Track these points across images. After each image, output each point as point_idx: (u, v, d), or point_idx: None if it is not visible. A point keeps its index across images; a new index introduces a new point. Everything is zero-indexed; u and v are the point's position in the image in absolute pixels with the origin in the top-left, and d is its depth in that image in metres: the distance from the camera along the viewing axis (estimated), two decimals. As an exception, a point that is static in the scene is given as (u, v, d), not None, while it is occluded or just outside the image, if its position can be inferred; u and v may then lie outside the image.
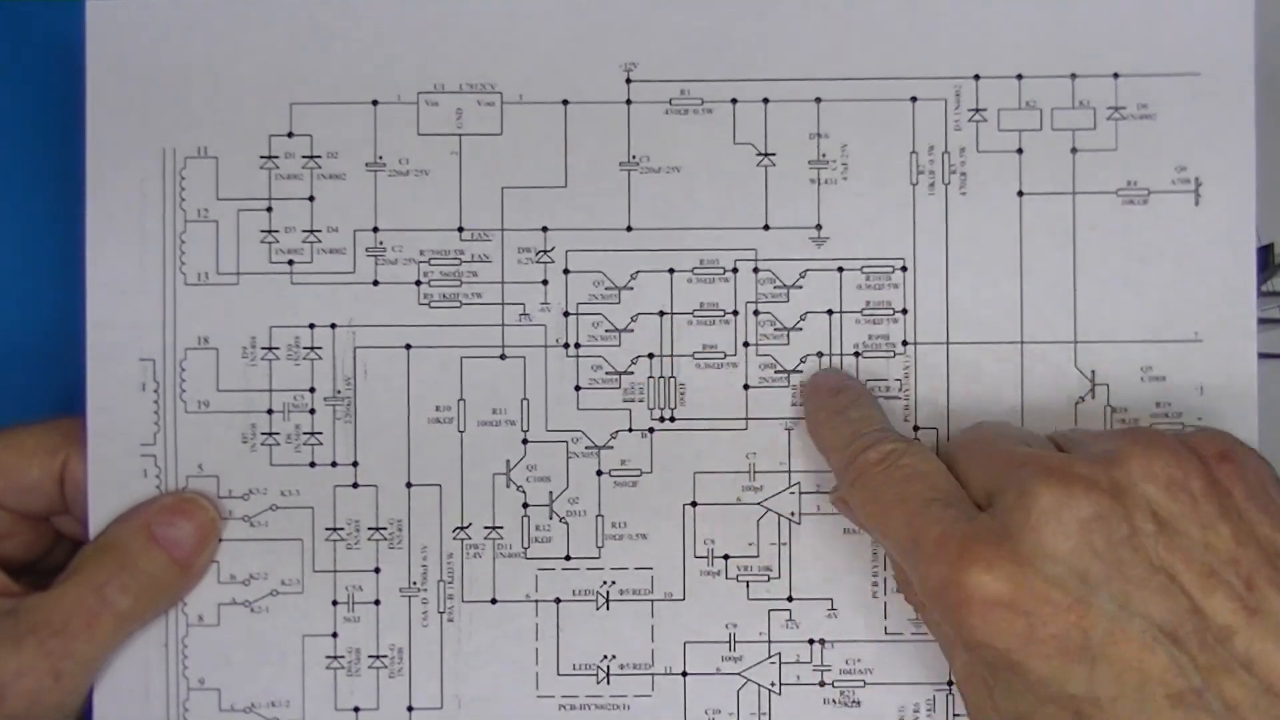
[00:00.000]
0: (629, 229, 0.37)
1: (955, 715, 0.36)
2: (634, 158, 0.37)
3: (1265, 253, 0.40)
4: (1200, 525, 0.30)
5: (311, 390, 0.37)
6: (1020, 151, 0.37)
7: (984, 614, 0.29)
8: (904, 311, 0.37)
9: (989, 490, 0.31)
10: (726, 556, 0.36)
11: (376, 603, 0.37)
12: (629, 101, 0.37)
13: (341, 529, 0.37)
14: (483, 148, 0.37)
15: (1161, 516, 0.30)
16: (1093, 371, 0.36)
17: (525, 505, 0.37)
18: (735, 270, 0.36)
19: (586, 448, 0.37)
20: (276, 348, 0.37)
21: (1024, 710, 0.30)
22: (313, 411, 0.37)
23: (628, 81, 0.37)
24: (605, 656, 0.36)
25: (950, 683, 0.36)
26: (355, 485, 0.37)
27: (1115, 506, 0.30)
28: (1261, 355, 0.37)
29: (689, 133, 0.37)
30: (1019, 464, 0.31)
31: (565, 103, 0.37)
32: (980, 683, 0.31)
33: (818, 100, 0.37)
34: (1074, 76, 0.37)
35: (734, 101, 0.36)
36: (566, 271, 0.37)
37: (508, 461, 0.37)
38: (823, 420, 0.35)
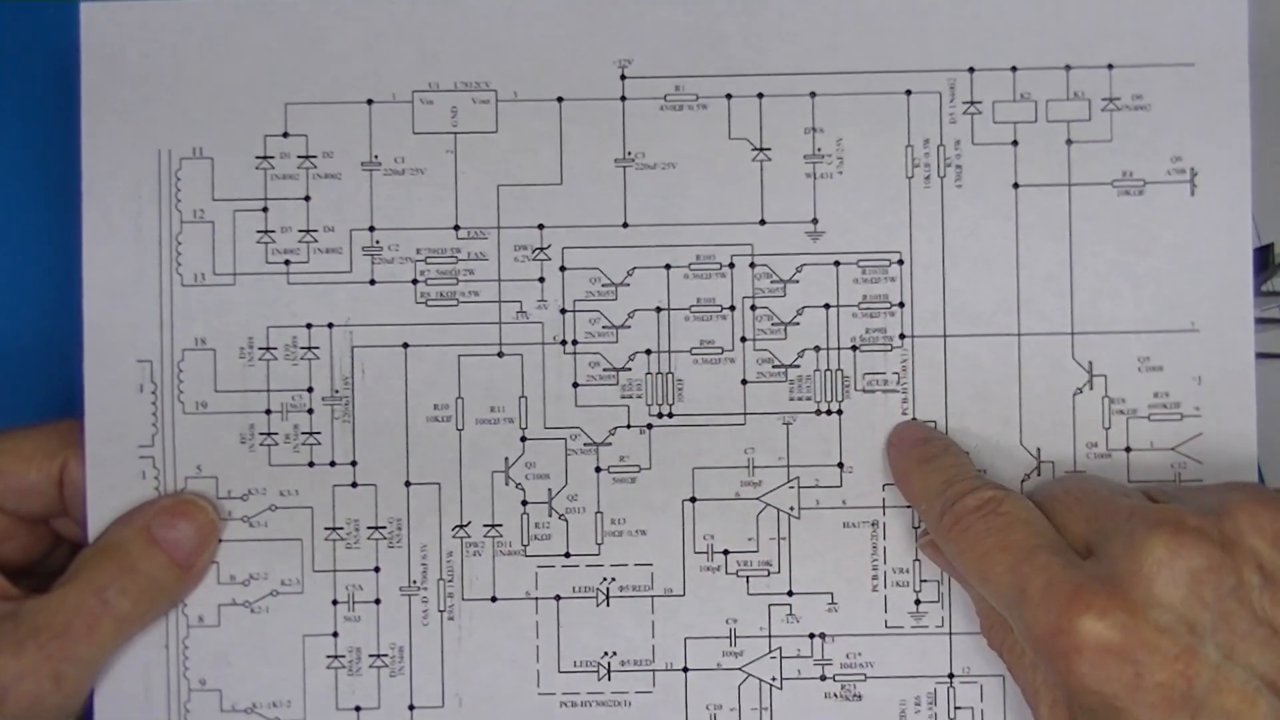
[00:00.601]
0: (625, 225, 0.37)
1: (956, 708, 0.36)
2: (629, 154, 0.37)
3: (1264, 253, 0.40)
4: None
5: (309, 390, 0.37)
6: (1015, 144, 0.37)
7: (1094, 660, 0.30)
8: (901, 305, 0.36)
9: (1090, 540, 0.32)
10: (726, 552, 0.36)
11: (377, 602, 0.37)
12: (624, 98, 0.37)
13: (341, 528, 0.37)
14: (478, 146, 0.37)
15: (1267, 570, 0.30)
16: (1090, 363, 0.36)
17: (524, 503, 0.37)
18: (732, 265, 0.36)
19: (585, 444, 0.37)
20: (274, 348, 0.37)
21: None
22: (311, 411, 0.37)
23: (622, 78, 0.37)
24: (606, 653, 0.36)
25: (951, 675, 0.36)
26: (354, 485, 0.37)
27: (1225, 558, 0.30)
28: (1260, 355, 0.37)
29: (684, 129, 0.37)
30: (1127, 514, 0.31)
31: (560, 100, 0.37)
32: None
33: (812, 95, 0.37)
34: (1068, 68, 0.37)
35: (729, 97, 0.36)
36: (563, 269, 0.37)
37: (506, 459, 0.37)
38: (911, 469, 0.36)
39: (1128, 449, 0.36)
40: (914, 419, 0.37)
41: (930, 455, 0.35)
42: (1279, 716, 0.29)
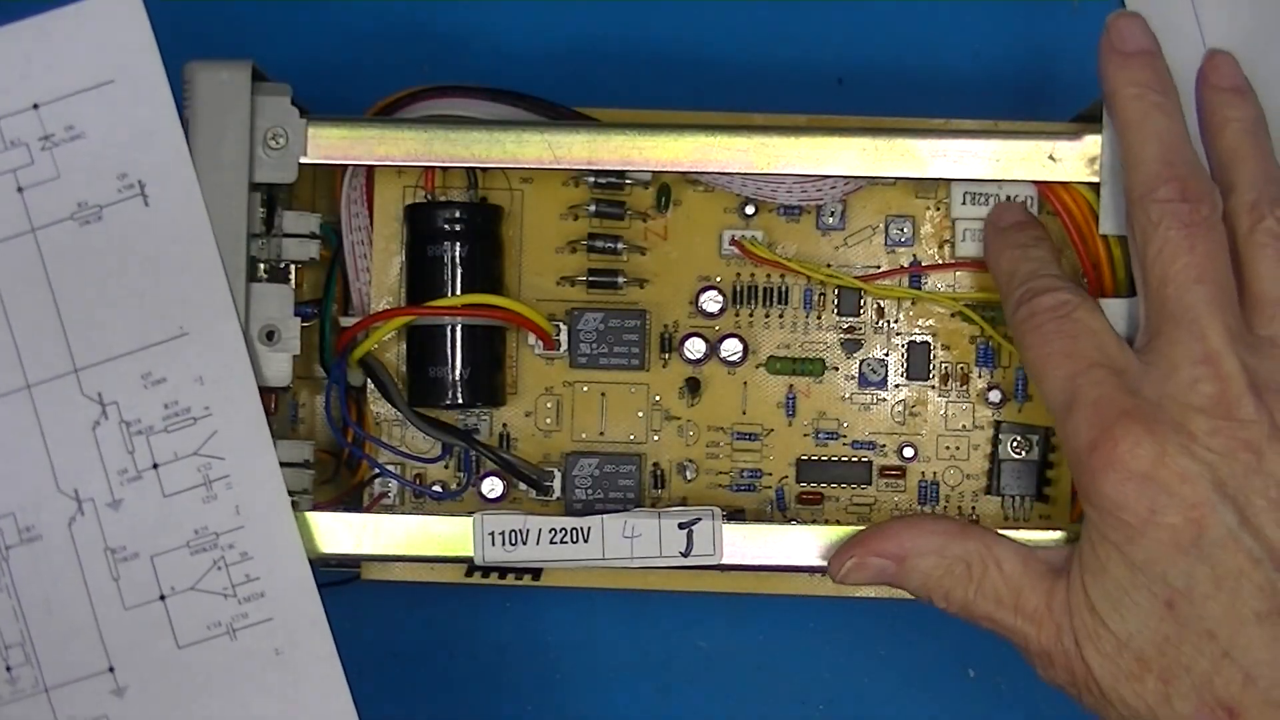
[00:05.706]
0: None
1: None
2: None
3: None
4: None
5: None
6: None
7: (1118, 482, 0.32)
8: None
9: (1153, 328, 0.34)
10: None
11: None
12: None
13: None
14: None
15: None
16: (99, 394, 0.37)
17: None
18: None
19: None
20: None
21: (1122, 583, 0.32)
22: None
23: None
24: None
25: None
26: None
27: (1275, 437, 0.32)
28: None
29: None
30: (1199, 336, 0.33)
31: None
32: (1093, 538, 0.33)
33: None
34: (-4, 119, 0.37)
35: None
36: None
37: None
38: (1002, 250, 0.37)
39: (155, 465, 0.37)
40: (1017, 201, 0.38)
41: (1023, 242, 0.37)
42: (1274, 587, 0.31)
